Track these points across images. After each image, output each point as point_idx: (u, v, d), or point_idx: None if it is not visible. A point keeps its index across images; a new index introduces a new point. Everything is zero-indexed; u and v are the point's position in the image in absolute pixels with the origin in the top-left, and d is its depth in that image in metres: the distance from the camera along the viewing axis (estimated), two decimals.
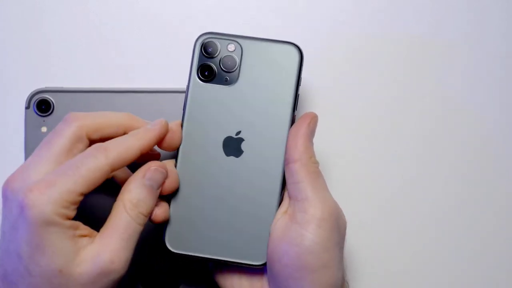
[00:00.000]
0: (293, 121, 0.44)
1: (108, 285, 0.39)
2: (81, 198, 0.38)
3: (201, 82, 0.45)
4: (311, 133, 0.44)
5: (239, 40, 0.45)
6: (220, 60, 0.45)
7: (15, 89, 0.53)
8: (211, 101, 0.44)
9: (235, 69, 0.45)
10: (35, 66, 0.54)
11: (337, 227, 0.42)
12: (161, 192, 0.42)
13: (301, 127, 0.43)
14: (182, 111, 0.44)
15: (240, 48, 0.45)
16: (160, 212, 0.42)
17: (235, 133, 0.44)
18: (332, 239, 0.41)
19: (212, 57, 0.45)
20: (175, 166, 0.44)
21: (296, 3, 0.55)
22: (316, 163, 0.43)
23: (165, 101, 0.50)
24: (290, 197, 0.43)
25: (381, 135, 0.55)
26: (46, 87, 0.51)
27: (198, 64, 0.45)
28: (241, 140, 0.44)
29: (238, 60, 0.45)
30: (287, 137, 0.44)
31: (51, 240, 0.37)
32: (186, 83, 0.45)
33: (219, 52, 0.45)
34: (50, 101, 0.50)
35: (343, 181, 0.53)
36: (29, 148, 0.50)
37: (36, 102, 0.50)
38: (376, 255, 0.54)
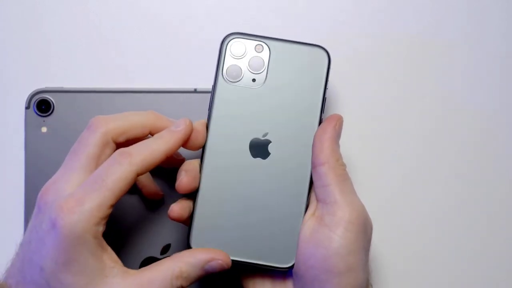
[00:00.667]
0: (319, 124, 0.44)
1: None
2: (111, 209, 0.39)
3: (228, 83, 0.44)
4: (338, 135, 0.44)
5: (266, 41, 0.44)
6: (247, 61, 0.44)
7: (15, 89, 0.53)
8: (237, 102, 0.44)
9: (262, 70, 0.44)
10: (35, 66, 0.54)
11: (364, 230, 0.42)
12: (178, 188, 0.42)
13: (327, 130, 0.43)
14: (207, 111, 0.44)
15: (268, 49, 0.44)
16: (176, 208, 0.42)
17: (262, 135, 0.44)
18: (359, 242, 0.41)
19: (240, 58, 0.44)
20: (201, 166, 0.43)
21: (296, 3, 0.55)
22: (343, 165, 0.43)
23: (165, 101, 0.50)
24: (318, 200, 0.43)
25: (381, 135, 0.55)
26: (46, 87, 0.51)
27: (225, 65, 0.44)
28: (268, 142, 0.44)
29: (266, 62, 0.44)
30: (313, 140, 0.43)
31: (79, 261, 0.37)
32: (212, 83, 0.44)
33: (247, 53, 0.44)
34: (50, 101, 0.50)
35: None
36: (29, 148, 0.50)
37: (36, 102, 0.50)
38: (376, 255, 0.54)
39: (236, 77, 0.44)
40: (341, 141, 0.45)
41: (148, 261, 0.49)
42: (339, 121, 0.44)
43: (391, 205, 0.54)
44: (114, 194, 0.38)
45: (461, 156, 0.55)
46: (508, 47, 0.56)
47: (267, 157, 0.44)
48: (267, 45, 0.44)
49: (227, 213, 0.43)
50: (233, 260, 0.43)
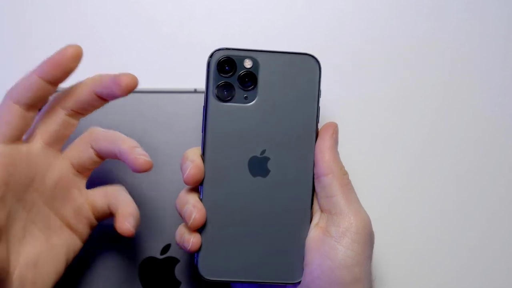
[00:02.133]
0: (316, 134, 0.43)
1: None
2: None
3: (219, 102, 0.42)
4: (336, 143, 0.44)
5: (254, 54, 0.42)
6: (238, 78, 0.42)
7: None
8: (232, 122, 0.42)
9: (253, 86, 0.42)
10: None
11: (369, 240, 0.42)
12: (190, 227, 0.42)
13: (325, 140, 0.43)
14: (201, 133, 0.43)
15: (257, 63, 0.43)
16: (196, 240, 0.42)
17: (259, 152, 0.43)
18: (365, 253, 0.41)
19: (229, 75, 0.42)
20: (201, 192, 0.42)
21: (296, 3, 0.55)
22: (346, 174, 0.43)
23: (165, 101, 0.50)
24: (322, 210, 0.43)
25: (381, 136, 0.55)
26: None
27: (215, 84, 0.42)
28: (267, 159, 0.43)
29: (256, 76, 0.42)
30: (314, 151, 0.43)
31: None
32: (203, 104, 0.43)
33: (236, 69, 0.42)
34: None
35: None
36: None
37: None
38: (376, 256, 0.54)
39: (228, 95, 0.42)
40: (340, 142, 0.45)
41: (148, 261, 0.49)
42: (335, 129, 0.44)
43: (391, 206, 0.54)
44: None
45: (461, 157, 0.55)
46: (508, 47, 0.56)
47: (267, 175, 0.43)
48: (256, 59, 0.42)
49: (232, 236, 0.43)
50: (243, 282, 0.43)
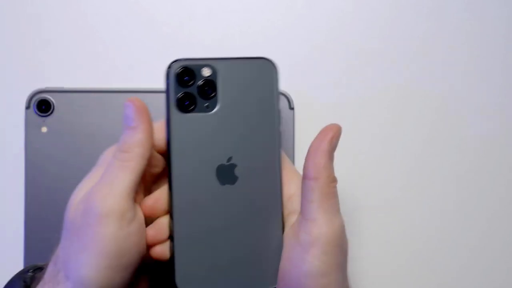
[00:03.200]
0: (278, 136, 0.43)
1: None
2: None
3: (181, 113, 0.42)
4: (333, 148, 0.42)
5: (212, 63, 0.42)
6: (197, 87, 0.42)
7: (15, 89, 0.53)
8: (195, 132, 0.42)
9: (213, 94, 0.42)
10: (35, 66, 0.54)
11: (340, 250, 0.41)
12: (149, 253, 0.42)
13: (322, 142, 0.41)
14: (166, 147, 0.42)
15: (215, 71, 0.42)
16: (159, 249, 0.42)
17: (226, 159, 0.42)
18: (333, 263, 0.40)
19: (189, 85, 0.42)
20: (171, 204, 0.42)
21: (296, 3, 0.55)
22: (333, 181, 0.41)
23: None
24: (300, 211, 0.42)
25: (381, 136, 0.55)
26: (46, 87, 0.51)
27: (176, 95, 0.42)
28: (234, 166, 0.42)
29: (215, 84, 0.42)
30: (308, 149, 0.42)
31: None
32: (165, 117, 0.42)
33: (195, 78, 0.42)
34: (50, 101, 0.50)
35: (342, 183, 0.53)
36: (29, 148, 0.50)
37: (36, 102, 0.50)
38: (375, 256, 0.54)
39: (189, 105, 0.42)
40: (341, 142, 0.44)
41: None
42: (336, 133, 0.42)
43: (391, 206, 0.54)
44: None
45: (461, 157, 0.55)
46: (508, 47, 0.56)
47: (235, 182, 0.42)
48: (214, 67, 0.42)
49: (206, 247, 0.42)
50: None
